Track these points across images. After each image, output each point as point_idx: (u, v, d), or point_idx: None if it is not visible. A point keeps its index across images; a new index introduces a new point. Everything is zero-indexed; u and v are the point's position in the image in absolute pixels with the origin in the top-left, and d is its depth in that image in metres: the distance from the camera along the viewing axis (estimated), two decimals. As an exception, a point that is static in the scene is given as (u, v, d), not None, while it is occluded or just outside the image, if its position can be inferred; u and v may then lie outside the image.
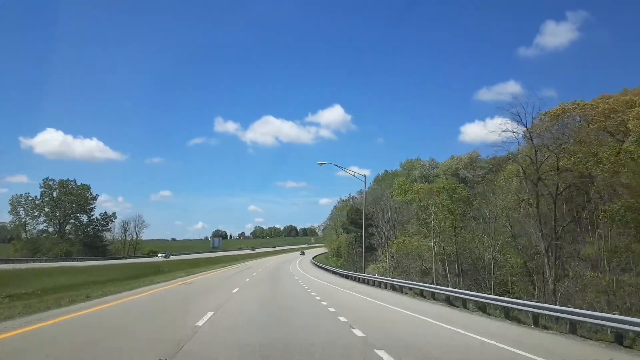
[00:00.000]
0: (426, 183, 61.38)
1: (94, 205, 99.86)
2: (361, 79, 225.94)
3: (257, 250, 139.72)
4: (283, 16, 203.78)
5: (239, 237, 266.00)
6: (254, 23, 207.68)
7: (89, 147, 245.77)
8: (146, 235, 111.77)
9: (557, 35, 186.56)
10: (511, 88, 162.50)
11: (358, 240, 57.69)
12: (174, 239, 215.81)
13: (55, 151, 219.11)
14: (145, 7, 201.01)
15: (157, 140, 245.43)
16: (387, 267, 44.49)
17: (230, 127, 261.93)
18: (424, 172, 73.84)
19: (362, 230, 44.31)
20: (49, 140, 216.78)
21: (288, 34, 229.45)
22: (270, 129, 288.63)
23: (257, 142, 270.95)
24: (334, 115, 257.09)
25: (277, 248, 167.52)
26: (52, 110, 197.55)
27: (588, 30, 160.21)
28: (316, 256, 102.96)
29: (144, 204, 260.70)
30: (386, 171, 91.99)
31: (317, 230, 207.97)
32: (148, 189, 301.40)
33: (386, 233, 50.27)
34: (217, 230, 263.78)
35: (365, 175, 46.78)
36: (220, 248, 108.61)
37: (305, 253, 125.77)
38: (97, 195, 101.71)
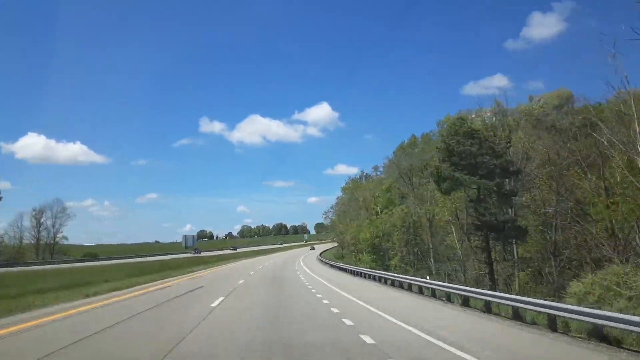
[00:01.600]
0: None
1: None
2: (347, 76, 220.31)
3: (244, 249, 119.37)
4: (267, 14, 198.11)
5: (226, 238, 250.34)
6: (237, 22, 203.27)
7: (72, 151, 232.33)
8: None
9: (544, 26, 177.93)
10: (498, 81, 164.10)
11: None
12: (157, 242, 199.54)
13: (37, 156, 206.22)
14: (128, 8, 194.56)
15: (142, 142, 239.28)
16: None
17: (217, 127, 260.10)
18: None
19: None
20: (31, 145, 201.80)
21: (272, 32, 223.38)
22: (257, 128, 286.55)
23: (244, 142, 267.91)
24: (321, 113, 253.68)
25: (270, 246, 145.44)
26: (34, 114, 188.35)
27: (575, 21, 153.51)
28: (323, 252, 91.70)
29: (131, 207, 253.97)
30: (414, 136, 68.72)
31: (308, 228, 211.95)
32: (134, 192, 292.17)
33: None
34: (201, 231, 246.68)
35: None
36: (194, 248, 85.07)
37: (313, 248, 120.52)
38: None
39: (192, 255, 78.00)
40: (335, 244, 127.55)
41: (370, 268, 36.24)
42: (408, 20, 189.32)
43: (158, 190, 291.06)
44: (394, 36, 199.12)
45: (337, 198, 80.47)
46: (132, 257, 69.64)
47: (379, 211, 45.03)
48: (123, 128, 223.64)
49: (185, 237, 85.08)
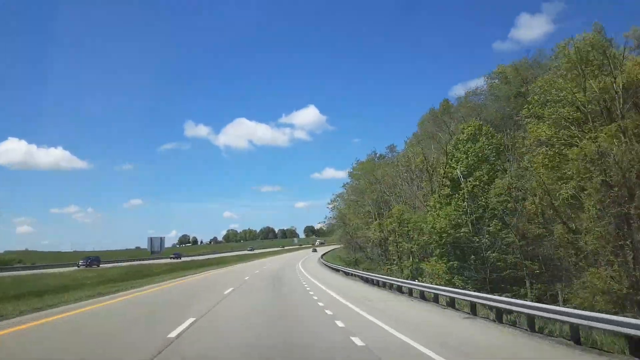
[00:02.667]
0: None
1: None
2: (335, 79, 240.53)
3: (226, 254, 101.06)
4: (253, 17, 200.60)
5: (210, 243, 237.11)
6: (223, 25, 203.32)
7: (54, 156, 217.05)
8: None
9: (532, 27, 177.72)
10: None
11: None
12: (138, 247, 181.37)
13: (18, 161, 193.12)
14: (111, 12, 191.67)
15: (125, 147, 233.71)
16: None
17: (202, 130, 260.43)
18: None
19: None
20: (11, 150, 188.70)
21: (258, 34, 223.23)
22: (243, 132, 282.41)
23: (230, 146, 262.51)
24: (308, 116, 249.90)
25: (257, 251, 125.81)
26: (14, 119, 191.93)
27: (563, 22, 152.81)
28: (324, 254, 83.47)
29: (115, 213, 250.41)
30: (446, 101, 50.93)
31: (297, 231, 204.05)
32: (118, 198, 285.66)
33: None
34: (183, 236, 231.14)
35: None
36: (162, 253, 66.36)
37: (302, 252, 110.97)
38: None
39: (171, 260, 66.06)
40: (337, 246, 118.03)
41: (444, 284, 18.94)
42: (396, 23, 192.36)
43: (143, 196, 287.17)
44: (382, 39, 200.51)
45: (344, 187, 61.90)
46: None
47: (460, 177, 25.26)
48: (106, 133, 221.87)
49: (150, 240, 65.40)
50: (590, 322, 7.46)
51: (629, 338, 6.93)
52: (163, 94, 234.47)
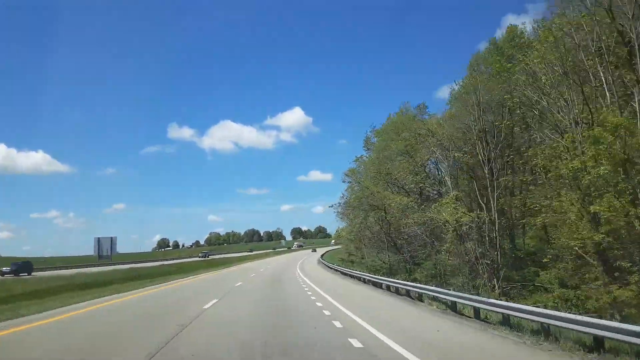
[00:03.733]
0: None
1: None
2: (320, 81, 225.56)
3: (193, 258, 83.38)
4: (237, 19, 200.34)
5: (192, 246, 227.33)
6: (206, 26, 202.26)
7: (35, 160, 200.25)
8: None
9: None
10: None
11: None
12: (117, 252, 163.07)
13: None
14: (92, 12, 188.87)
15: (108, 151, 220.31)
16: None
17: (186, 133, 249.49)
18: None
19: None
20: None
21: (242, 35, 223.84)
22: (228, 134, 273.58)
23: (215, 149, 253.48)
24: (294, 117, 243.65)
25: (238, 254, 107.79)
26: None
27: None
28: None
29: (98, 218, 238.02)
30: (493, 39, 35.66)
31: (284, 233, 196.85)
32: (101, 202, 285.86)
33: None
34: (163, 239, 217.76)
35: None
36: (110, 259, 50.62)
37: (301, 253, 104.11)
38: None
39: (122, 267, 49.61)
40: (333, 247, 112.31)
41: None
42: (383, 24, 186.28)
43: (126, 201, 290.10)
44: (368, 41, 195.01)
45: (356, 162, 45.91)
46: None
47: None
48: (88, 136, 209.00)
49: (98, 241, 50.04)
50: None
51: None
52: (146, 95, 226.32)
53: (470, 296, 11.69)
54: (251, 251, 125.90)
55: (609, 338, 6.59)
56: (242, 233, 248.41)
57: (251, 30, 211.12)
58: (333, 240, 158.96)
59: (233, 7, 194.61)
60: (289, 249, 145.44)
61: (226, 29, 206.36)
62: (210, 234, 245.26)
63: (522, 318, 8.93)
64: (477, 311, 10.78)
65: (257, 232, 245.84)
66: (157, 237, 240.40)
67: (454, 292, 12.53)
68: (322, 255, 77.52)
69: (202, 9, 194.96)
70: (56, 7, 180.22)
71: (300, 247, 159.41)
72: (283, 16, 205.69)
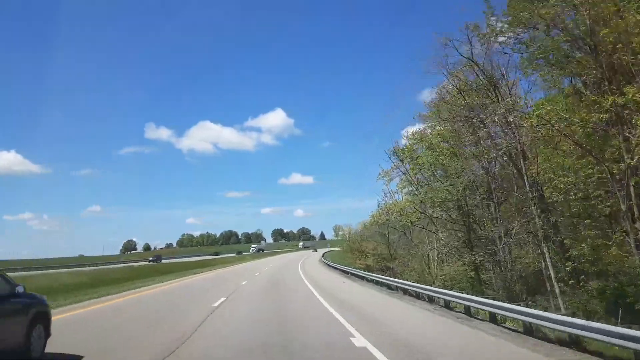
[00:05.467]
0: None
1: None
2: (302, 81, 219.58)
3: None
4: (217, 18, 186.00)
5: (162, 249, 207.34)
6: (186, 25, 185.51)
7: (6, 160, 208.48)
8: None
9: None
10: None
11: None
12: (81, 255, 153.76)
13: None
14: (64, 7, 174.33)
15: (83, 151, 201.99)
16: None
17: (164, 133, 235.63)
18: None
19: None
20: None
21: (223, 36, 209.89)
22: (207, 135, 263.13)
23: (194, 150, 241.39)
24: (275, 119, 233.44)
25: (199, 257, 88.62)
26: None
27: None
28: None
29: (73, 220, 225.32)
30: None
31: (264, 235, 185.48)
32: (77, 204, 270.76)
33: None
34: (129, 242, 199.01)
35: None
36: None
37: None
38: None
39: None
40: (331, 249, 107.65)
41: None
42: (365, 25, 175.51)
43: (102, 203, 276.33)
44: (350, 42, 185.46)
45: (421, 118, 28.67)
46: None
47: None
48: (62, 136, 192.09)
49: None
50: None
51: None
52: (122, 94, 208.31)
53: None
54: (217, 254, 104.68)
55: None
56: (218, 235, 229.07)
57: (232, 29, 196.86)
58: (329, 244, 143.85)
59: (213, 5, 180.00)
60: (273, 252, 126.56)
61: (206, 28, 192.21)
62: (183, 235, 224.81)
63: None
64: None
65: (235, 234, 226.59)
66: (135, 240, 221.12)
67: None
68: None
69: (181, 6, 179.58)
70: (28, 4, 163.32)
71: (306, 248, 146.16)
72: (265, 15, 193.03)
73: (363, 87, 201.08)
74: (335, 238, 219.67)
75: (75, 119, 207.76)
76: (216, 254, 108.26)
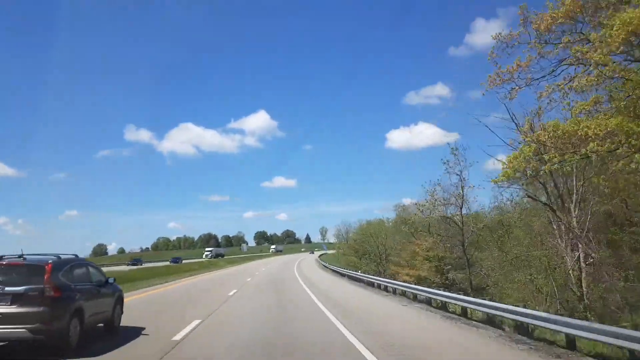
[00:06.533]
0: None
1: None
2: (286, 84, 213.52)
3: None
4: (199, 17, 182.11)
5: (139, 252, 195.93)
6: (166, 25, 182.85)
7: None
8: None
9: (487, 32, 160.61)
10: (439, 91, 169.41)
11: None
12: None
13: None
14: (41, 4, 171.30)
15: (59, 154, 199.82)
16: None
17: (144, 135, 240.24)
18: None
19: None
20: None
21: (205, 35, 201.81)
22: (189, 137, 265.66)
23: (175, 153, 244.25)
24: (258, 121, 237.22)
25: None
26: None
27: (519, 28, 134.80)
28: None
29: (49, 225, 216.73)
30: None
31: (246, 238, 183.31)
32: (53, 208, 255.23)
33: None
34: (99, 246, 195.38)
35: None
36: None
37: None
38: None
39: None
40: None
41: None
42: (349, 26, 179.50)
43: (79, 207, 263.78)
44: (334, 43, 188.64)
45: None
46: None
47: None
48: (37, 138, 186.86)
49: None
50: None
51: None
52: (101, 95, 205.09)
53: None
54: (178, 262, 71.11)
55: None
56: (196, 238, 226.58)
57: (214, 29, 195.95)
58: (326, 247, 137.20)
59: (194, 5, 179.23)
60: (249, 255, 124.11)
61: (187, 27, 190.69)
62: (158, 239, 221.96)
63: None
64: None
65: (215, 237, 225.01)
66: (113, 245, 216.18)
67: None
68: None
69: (162, 5, 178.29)
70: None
71: (279, 252, 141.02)
72: (247, 16, 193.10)
73: (348, 89, 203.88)
74: (322, 241, 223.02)
75: (52, 121, 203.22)
76: (134, 263, 68.04)
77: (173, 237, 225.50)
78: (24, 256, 7.96)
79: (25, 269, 7.68)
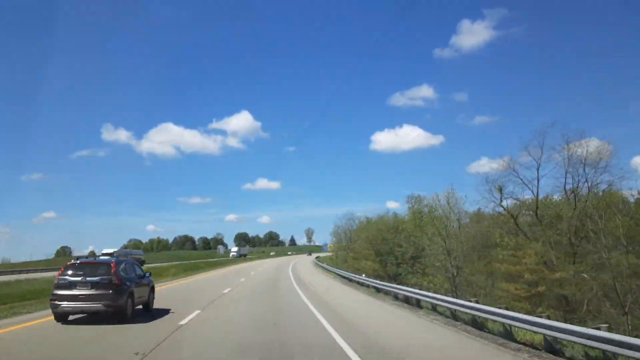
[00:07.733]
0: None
1: None
2: (269, 84, 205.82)
3: None
4: (180, 16, 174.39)
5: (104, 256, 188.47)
6: (147, 23, 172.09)
7: None
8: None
9: (473, 34, 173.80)
10: (424, 92, 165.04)
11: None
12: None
13: None
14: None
15: (33, 154, 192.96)
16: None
17: (122, 135, 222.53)
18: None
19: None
20: None
21: (185, 34, 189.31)
22: (169, 138, 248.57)
23: (154, 153, 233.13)
24: (241, 122, 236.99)
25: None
26: None
27: (505, 29, 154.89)
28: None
29: (25, 227, 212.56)
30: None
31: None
32: (28, 210, 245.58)
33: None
34: (63, 248, 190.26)
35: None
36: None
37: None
38: None
39: None
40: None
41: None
42: (332, 27, 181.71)
43: (56, 209, 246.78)
44: (318, 43, 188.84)
45: None
46: None
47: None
48: (9, 137, 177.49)
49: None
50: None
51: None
52: (77, 93, 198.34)
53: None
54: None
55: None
56: (171, 240, 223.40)
57: (195, 27, 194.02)
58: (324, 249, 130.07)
59: (177, 4, 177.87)
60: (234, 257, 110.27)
61: (168, 25, 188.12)
62: (129, 241, 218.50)
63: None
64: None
65: (191, 239, 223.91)
66: (90, 249, 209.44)
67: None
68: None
69: (145, 4, 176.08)
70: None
71: (242, 256, 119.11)
72: (230, 17, 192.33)
73: (332, 90, 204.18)
74: (308, 244, 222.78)
75: (25, 120, 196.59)
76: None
77: (146, 240, 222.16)
78: (96, 257, 11.75)
79: (98, 266, 11.48)
